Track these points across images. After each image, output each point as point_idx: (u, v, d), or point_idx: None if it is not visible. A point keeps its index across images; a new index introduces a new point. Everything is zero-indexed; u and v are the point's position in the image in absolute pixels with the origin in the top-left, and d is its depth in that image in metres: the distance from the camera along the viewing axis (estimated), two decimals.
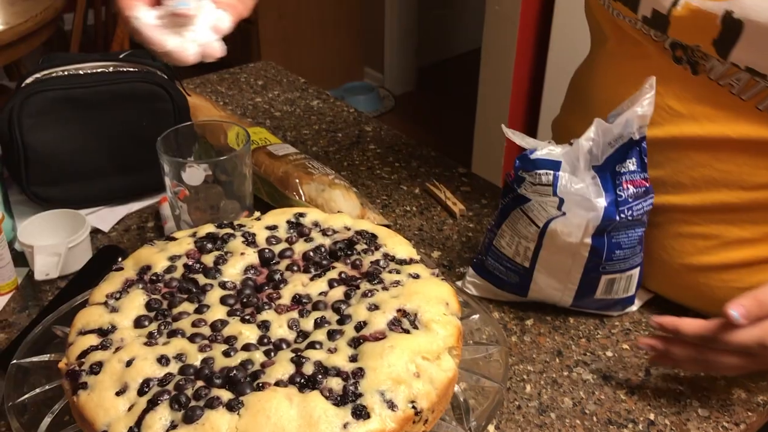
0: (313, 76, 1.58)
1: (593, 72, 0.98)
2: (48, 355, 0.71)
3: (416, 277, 0.73)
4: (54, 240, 1.02)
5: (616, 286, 0.89)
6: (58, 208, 1.07)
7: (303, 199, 1.09)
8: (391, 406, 0.59)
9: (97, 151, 1.12)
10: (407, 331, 0.65)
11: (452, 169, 1.27)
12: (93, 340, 0.66)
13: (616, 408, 0.82)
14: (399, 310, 0.67)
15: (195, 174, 0.93)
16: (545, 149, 0.87)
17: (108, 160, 1.13)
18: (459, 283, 1.00)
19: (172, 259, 0.75)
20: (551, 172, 0.85)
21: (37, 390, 0.67)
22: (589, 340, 0.91)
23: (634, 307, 0.94)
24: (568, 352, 0.90)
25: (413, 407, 0.59)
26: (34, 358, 0.71)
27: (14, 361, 0.70)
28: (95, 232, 1.11)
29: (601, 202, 0.83)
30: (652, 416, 0.81)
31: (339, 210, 1.08)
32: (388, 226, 1.10)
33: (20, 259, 1.02)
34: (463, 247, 1.08)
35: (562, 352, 0.89)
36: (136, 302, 0.70)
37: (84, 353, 0.65)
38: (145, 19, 0.74)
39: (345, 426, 0.57)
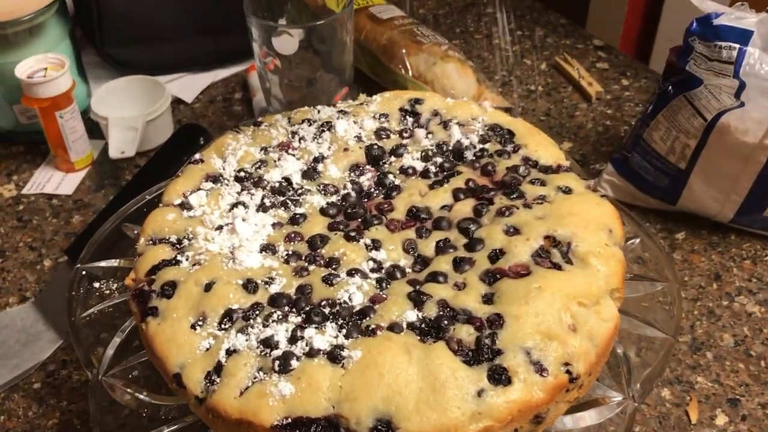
0: None
1: None
2: (117, 261, 0.61)
3: (567, 191, 0.57)
4: (131, 110, 0.92)
5: None
6: (136, 73, 0.95)
7: (410, 73, 0.94)
8: (540, 369, 0.45)
9: (178, 8, 1.00)
10: (558, 267, 0.50)
11: (587, 40, 1.08)
12: (166, 252, 0.54)
13: None
14: (547, 238, 0.52)
15: (288, 41, 0.79)
16: (735, 14, 0.68)
17: (190, 19, 1.01)
18: (593, 182, 0.84)
19: (263, 151, 0.62)
20: (737, 45, 0.69)
21: (104, 304, 0.57)
22: (755, 262, 0.77)
23: None
24: (728, 276, 0.75)
25: (567, 372, 0.46)
26: (102, 263, 0.60)
27: (78, 265, 0.59)
28: (177, 102, 1.00)
29: None
30: None
31: (452, 89, 0.91)
32: (508, 109, 0.94)
33: (97, 130, 0.92)
34: (600, 138, 0.91)
35: (721, 276, 0.75)
36: (218, 205, 0.57)
37: (155, 268, 0.53)
38: None
39: (479, 393, 0.44)
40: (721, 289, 0.74)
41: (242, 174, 0.60)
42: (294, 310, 0.49)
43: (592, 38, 1.09)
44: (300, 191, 0.59)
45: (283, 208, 0.58)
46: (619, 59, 1.04)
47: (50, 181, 0.89)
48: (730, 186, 0.75)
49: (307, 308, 0.49)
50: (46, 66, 0.84)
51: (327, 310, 0.49)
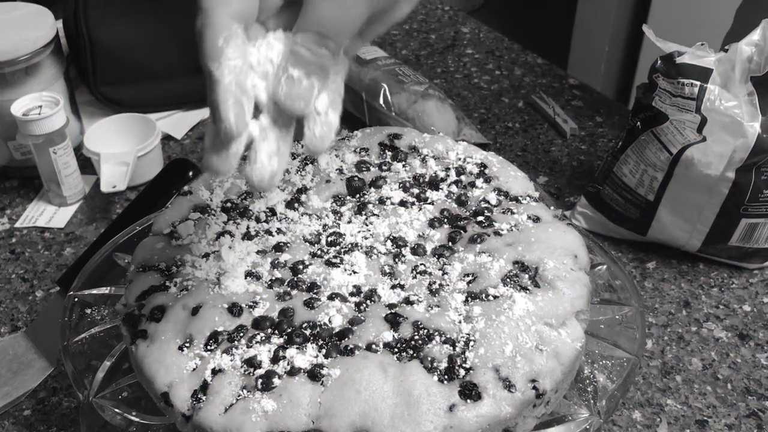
0: None
1: None
2: (107, 288, 0.63)
3: (536, 220, 0.60)
4: (123, 147, 0.94)
5: (758, 233, 0.77)
6: (128, 111, 0.98)
7: (392, 111, 0.97)
8: (508, 385, 0.48)
9: (169, 48, 1.03)
10: (526, 290, 0.53)
11: (562, 80, 1.12)
12: (155, 278, 0.57)
13: (756, 375, 0.70)
14: (516, 263, 0.55)
15: None
16: (696, 53, 0.72)
17: (181, 58, 1.03)
18: (567, 213, 0.88)
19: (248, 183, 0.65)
20: (698, 82, 0.72)
21: (95, 329, 0.59)
22: (722, 290, 0.79)
23: None
24: (696, 303, 0.77)
25: (534, 388, 0.48)
26: (94, 290, 0.63)
27: (71, 292, 0.62)
28: (167, 139, 1.02)
29: (754, 128, 0.70)
30: None
31: (432, 125, 0.95)
32: (486, 145, 0.98)
33: (89, 165, 0.95)
34: (574, 172, 0.95)
35: (690, 303, 0.77)
36: (205, 234, 0.60)
37: (144, 293, 0.56)
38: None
39: (451, 408, 0.47)
40: (690, 315, 0.77)
41: (229, 205, 0.63)
42: (276, 332, 0.52)
43: (568, 77, 1.13)
44: (284, 220, 0.62)
45: (267, 237, 0.60)
46: (593, 97, 1.08)
47: (43, 215, 0.91)
48: (696, 217, 0.77)
49: (289, 330, 0.52)
50: (40, 104, 0.87)
51: (308, 332, 0.51)
